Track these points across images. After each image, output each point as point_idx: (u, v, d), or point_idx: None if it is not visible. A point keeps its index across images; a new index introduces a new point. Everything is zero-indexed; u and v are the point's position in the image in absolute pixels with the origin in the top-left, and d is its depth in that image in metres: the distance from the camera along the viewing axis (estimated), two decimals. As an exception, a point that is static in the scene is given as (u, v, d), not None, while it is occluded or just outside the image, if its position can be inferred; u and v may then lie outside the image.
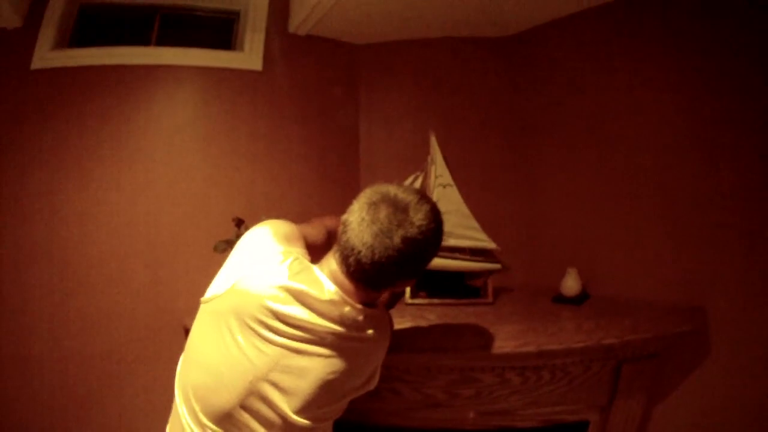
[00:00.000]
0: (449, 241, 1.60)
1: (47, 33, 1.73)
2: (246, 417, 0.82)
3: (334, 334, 0.82)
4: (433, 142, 1.62)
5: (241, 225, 1.45)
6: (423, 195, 0.86)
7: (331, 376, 0.83)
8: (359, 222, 0.81)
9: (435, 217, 0.84)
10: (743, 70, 1.35)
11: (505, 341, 1.25)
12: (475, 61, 1.95)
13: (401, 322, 1.39)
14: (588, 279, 1.60)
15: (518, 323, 1.36)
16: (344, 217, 0.84)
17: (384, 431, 1.39)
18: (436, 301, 1.57)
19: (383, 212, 0.80)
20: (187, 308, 1.26)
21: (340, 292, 0.83)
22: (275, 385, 0.81)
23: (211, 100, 1.82)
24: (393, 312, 1.24)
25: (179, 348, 0.95)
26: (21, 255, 1.65)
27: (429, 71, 1.97)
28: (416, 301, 1.57)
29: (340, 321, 0.82)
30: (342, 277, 0.84)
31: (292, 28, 1.89)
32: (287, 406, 0.81)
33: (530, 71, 1.91)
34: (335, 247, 0.87)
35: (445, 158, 1.65)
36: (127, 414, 1.68)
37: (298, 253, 0.87)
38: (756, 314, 1.32)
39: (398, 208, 0.80)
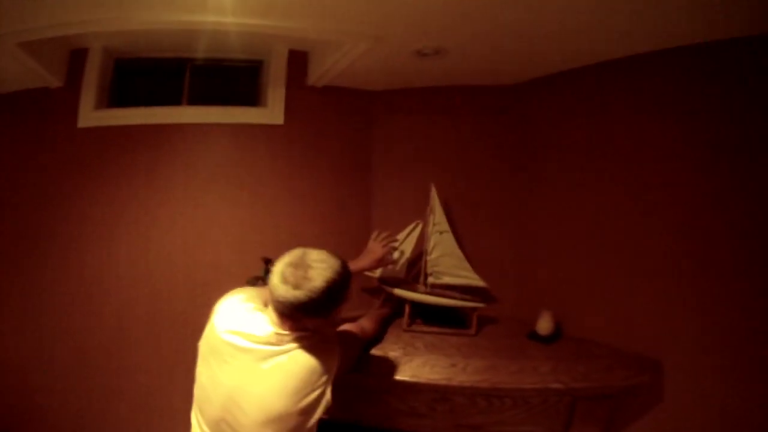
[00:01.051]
0: (444, 279, 1.87)
1: (89, 93, 1.92)
2: (229, 419, 1.16)
3: (269, 351, 1.17)
4: (433, 192, 1.86)
5: (269, 263, 1.76)
6: (326, 260, 1.17)
7: (278, 383, 1.15)
8: (278, 275, 1.15)
9: (328, 280, 1.14)
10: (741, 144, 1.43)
11: (469, 375, 1.51)
12: (477, 107, 2.09)
13: (395, 348, 1.70)
14: (564, 318, 1.80)
15: (488, 358, 1.63)
16: (272, 268, 1.19)
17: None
18: (426, 329, 1.86)
19: (290, 272, 1.14)
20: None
21: (271, 323, 1.20)
22: (243, 394, 1.15)
23: (239, 153, 2.04)
24: (393, 337, 1.73)
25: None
26: (86, 290, 1.94)
27: (436, 116, 2.12)
28: (412, 328, 1.87)
29: (271, 342, 1.17)
30: (273, 313, 1.20)
31: (310, 81, 2.06)
32: (253, 413, 1.14)
33: (525, 122, 2.03)
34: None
35: (445, 205, 1.88)
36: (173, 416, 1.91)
37: (252, 306, 1.26)
38: (708, 370, 1.48)
39: (302, 269, 1.14)
